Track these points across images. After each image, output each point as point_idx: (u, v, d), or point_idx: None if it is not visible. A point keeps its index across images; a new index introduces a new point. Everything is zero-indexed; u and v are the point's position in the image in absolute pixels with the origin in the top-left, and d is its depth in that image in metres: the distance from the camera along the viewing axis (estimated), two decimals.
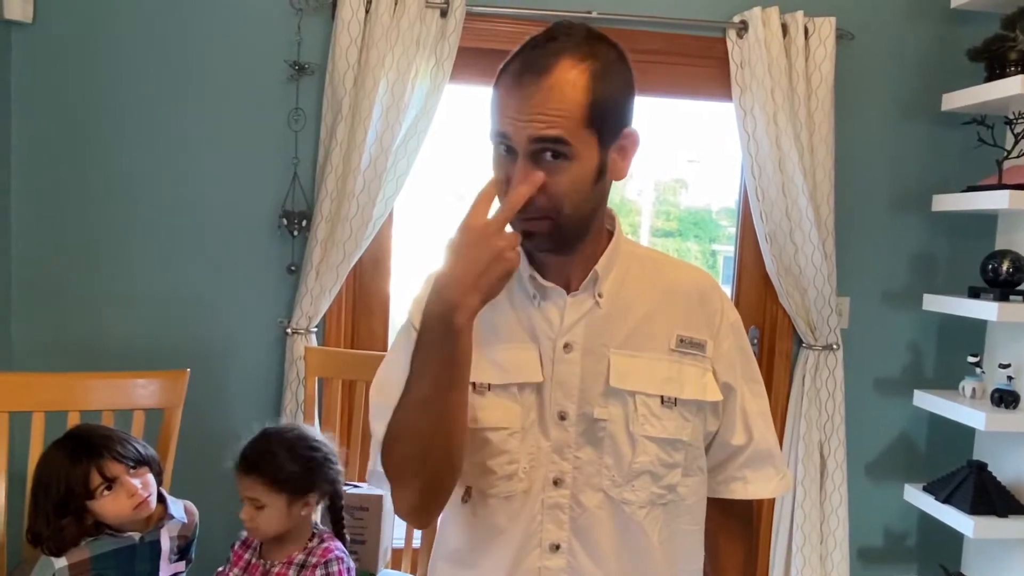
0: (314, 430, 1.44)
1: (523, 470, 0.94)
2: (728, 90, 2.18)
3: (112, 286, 2.09)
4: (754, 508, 1.13)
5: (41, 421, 1.52)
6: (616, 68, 0.89)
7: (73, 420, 1.55)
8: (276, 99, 2.09)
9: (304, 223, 2.09)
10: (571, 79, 0.85)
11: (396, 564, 1.90)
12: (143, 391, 1.59)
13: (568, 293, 0.96)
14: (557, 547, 0.94)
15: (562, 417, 0.94)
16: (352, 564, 1.40)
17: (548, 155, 0.86)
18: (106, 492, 1.32)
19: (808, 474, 2.24)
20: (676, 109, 2.59)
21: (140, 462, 1.38)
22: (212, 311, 2.13)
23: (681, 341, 0.98)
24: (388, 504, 1.82)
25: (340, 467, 1.44)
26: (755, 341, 2.39)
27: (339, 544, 1.41)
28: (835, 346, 2.24)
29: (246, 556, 1.42)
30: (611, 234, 1.01)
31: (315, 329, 2.13)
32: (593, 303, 0.96)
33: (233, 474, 1.39)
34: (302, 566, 1.36)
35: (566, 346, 0.94)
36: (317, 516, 1.46)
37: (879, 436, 2.38)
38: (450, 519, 1.02)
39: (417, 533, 1.88)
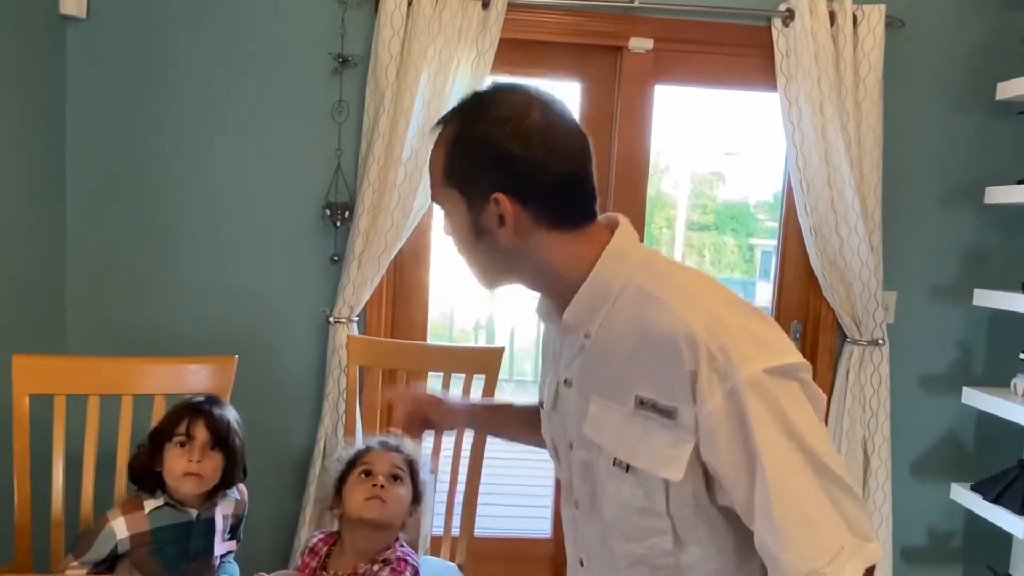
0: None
1: (563, 477, 1.03)
2: (773, 79, 2.14)
3: (162, 275, 2.15)
4: None
5: (96, 404, 1.57)
6: (473, 133, 0.88)
7: (127, 404, 1.60)
8: (320, 92, 2.11)
9: (347, 214, 2.12)
10: (436, 147, 0.92)
11: (435, 551, 1.92)
12: (194, 376, 1.63)
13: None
14: (581, 563, 1.02)
15: (571, 447, 0.98)
16: (418, 566, 1.37)
17: None
18: (178, 444, 1.39)
19: (851, 471, 2.20)
20: (714, 100, 2.55)
21: (221, 447, 1.43)
22: (257, 300, 2.17)
23: (641, 403, 0.86)
24: (429, 491, 1.84)
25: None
26: (797, 336, 2.36)
27: (412, 559, 1.37)
28: (881, 341, 2.20)
29: (312, 564, 1.38)
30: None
31: (356, 318, 2.16)
32: (583, 344, 0.93)
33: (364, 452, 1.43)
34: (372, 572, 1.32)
35: (566, 381, 0.96)
36: None
37: (925, 434, 2.32)
38: None
39: (456, 521, 1.90)
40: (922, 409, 2.30)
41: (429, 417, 1.28)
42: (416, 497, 1.40)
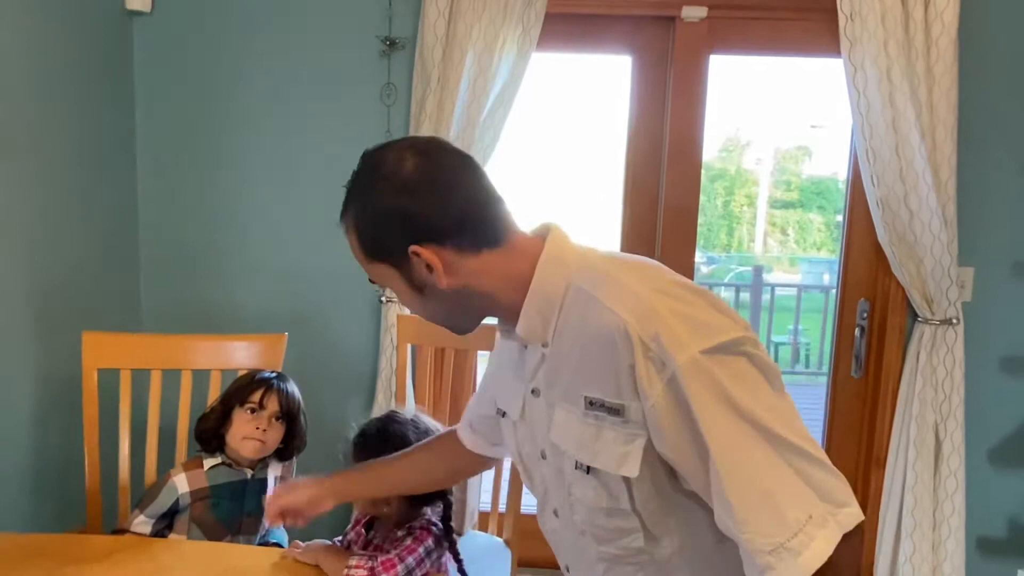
0: (428, 432, 1.37)
1: (536, 488, 1.04)
2: (836, 44, 2.02)
3: (226, 258, 2.25)
4: None
5: (159, 378, 1.67)
6: (365, 208, 0.91)
7: (186, 378, 1.69)
8: (369, 75, 2.15)
9: None
10: (347, 235, 0.95)
11: (483, 526, 1.95)
12: (245, 353, 1.71)
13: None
14: (567, 569, 1.04)
15: (543, 456, 0.97)
16: (441, 540, 1.32)
17: None
18: (248, 411, 1.47)
19: (921, 457, 2.08)
20: (800, 70, 2.44)
21: (286, 420, 1.52)
22: (315, 280, 2.25)
23: (591, 404, 0.86)
24: None
25: None
26: (864, 315, 2.25)
27: (436, 528, 1.33)
28: (955, 320, 2.06)
29: (360, 531, 1.42)
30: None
31: None
32: (543, 354, 0.93)
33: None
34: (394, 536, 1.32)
35: (534, 391, 0.96)
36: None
37: (1003, 419, 2.17)
38: None
39: (503, 497, 1.92)
40: (1001, 393, 2.15)
41: (296, 508, 1.22)
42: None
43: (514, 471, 1.90)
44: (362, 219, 0.91)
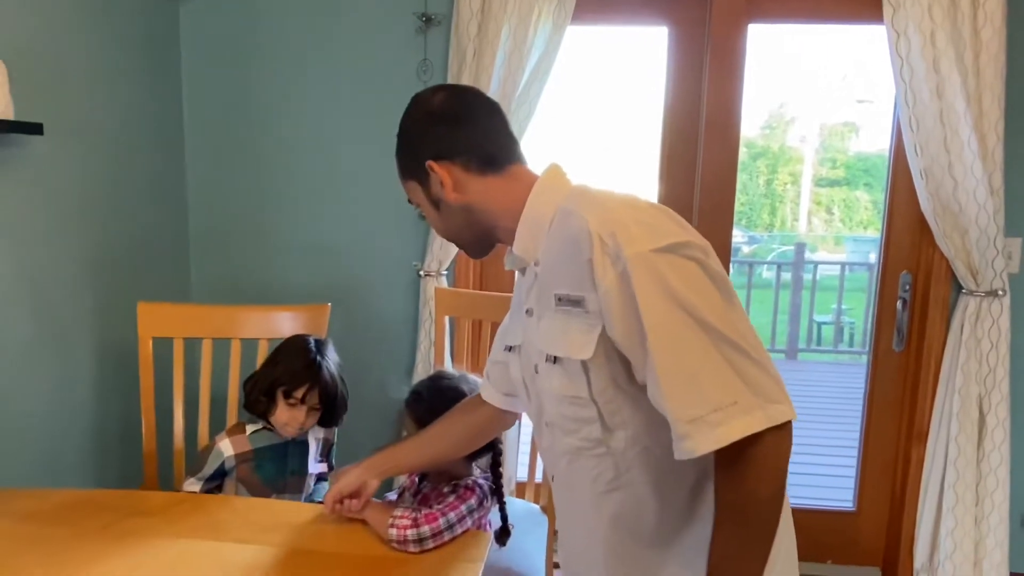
0: (476, 385, 1.39)
1: (534, 410, 1.11)
2: (878, 11, 1.98)
3: (271, 232, 2.33)
4: (741, 459, 0.86)
5: (209, 346, 1.75)
6: (401, 133, 1.08)
7: (236, 347, 1.76)
8: (405, 51, 2.18)
9: None
10: (396, 155, 1.11)
11: (520, 494, 1.99)
12: (291, 322, 1.77)
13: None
14: (552, 478, 1.11)
15: (536, 371, 1.05)
16: (484, 500, 1.34)
17: None
18: (288, 402, 1.53)
19: (964, 431, 2.06)
20: (845, 42, 2.38)
21: (325, 411, 1.58)
22: (356, 254, 2.31)
23: (559, 299, 0.97)
24: (513, 436, 1.91)
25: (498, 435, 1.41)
26: (907, 287, 2.21)
27: (485, 483, 1.37)
28: (1001, 292, 2.02)
29: (415, 480, 1.49)
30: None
31: (445, 272, 2.24)
32: (535, 272, 1.04)
33: None
34: (440, 491, 1.36)
35: (528, 311, 1.07)
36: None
37: None
38: None
39: (540, 466, 1.96)
40: None
41: (348, 494, 1.29)
42: None
43: None
44: (399, 143, 1.09)
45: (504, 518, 1.38)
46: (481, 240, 1.11)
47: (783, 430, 0.85)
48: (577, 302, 0.94)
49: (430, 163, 1.03)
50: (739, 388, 0.84)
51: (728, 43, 2.15)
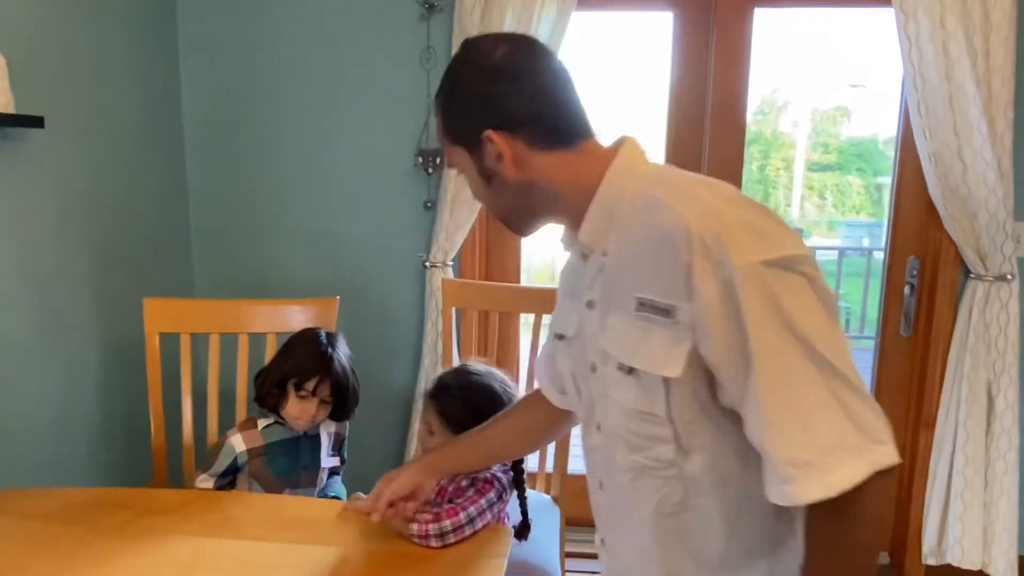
0: (505, 382, 1.37)
1: (584, 408, 1.03)
2: None
3: (274, 226, 2.30)
4: (846, 508, 0.78)
5: (217, 341, 1.73)
6: (452, 89, 0.94)
7: (243, 341, 1.74)
8: (409, 39, 2.15)
9: (439, 160, 2.16)
10: (435, 116, 1.00)
11: (532, 484, 1.98)
12: (300, 316, 1.75)
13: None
14: (601, 485, 1.02)
15: (593, 369, 0.97)
16: (503, 494, 1.31)
17: None
18: (300, 395, 1.51)
19: (972, 416, 2.06)
20: (838, 26, 2.37)
21: (337, 403, 1.56)
22: (360, 246, 2.28)
23: (641, 304, 0.86)
24: None
25: None
26: (915, 272, 2.21)
27: (504, 477, 1.34)
28: (1009, 276, 2.01)
29: None
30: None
31: (452, 263, 2.22)
32: (602, 262, 0.93)
33: None
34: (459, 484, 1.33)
35: (589, 303, 0.96)
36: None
37: None
38: None
39: (550, 457, 1.95)
40: None
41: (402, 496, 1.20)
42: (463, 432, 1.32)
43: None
44: (448, 100, 0.95)
45: (524, 513, 1.37)
46: (536, 220, 0.99)
47: (888, 475, 0.77)
48: (666, 311, 0.83)
49: (488, 134, 0.90)
50: (849, 430, 0.76)
51: (734, 28, 2.13)
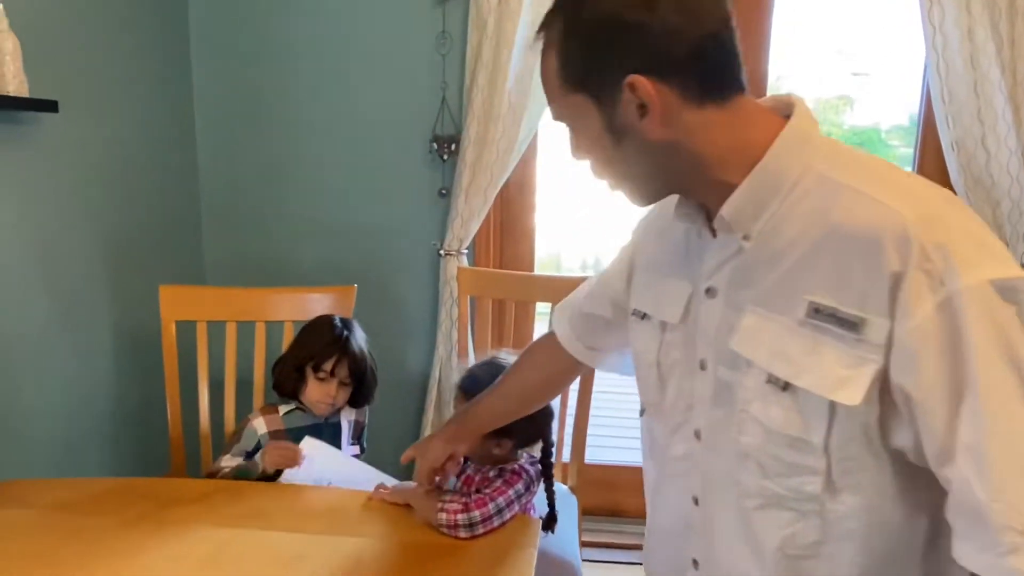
0: None
1: (670, 405, 0.89)
2: None
3: (285, 211, 2.27)
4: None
5: (234, 329, 1.71)
6: (585, 17, 0.73)
7: (260, 329, 1.72)
8: (424, 24, 2.12)
9: (453, 147, 2.14)
10: (545, 54, 0.78)
11: None
12: (317, 304, 1.73)
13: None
14: (696, 501, 0.87)
15: (702, 367, 0.83)
16: (531, 485, 1.28)
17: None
18: (318, 377, 1.50)
19: None
20: (840, 15, 2.33)
21: (356, 383, 1.55)
22: (373, 233, 2.26)
23: (816, 311, 0.71)
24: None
25: (551, 424, 1.36)
26: None
27: (532, 468, 1.31)
28: None
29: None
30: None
31: (466, 251, 2.20)
32: (739, 247, 0.78)
33: None
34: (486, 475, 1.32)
35: (708, 290, 0.82)
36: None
37: None
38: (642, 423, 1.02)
39: (567, 448, 1.93)
40: None
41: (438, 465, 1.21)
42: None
43: (579, 422, 1.92)
44: (574, 31, 0.74)
45: (551, 504, 1.36)
46: (667, 190, 0.82)
47: None
48: (852, 324, 0.68)
49: (635, 78, 0.71)
50: None
51: (753, 13, 2.10)
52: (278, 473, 1.42)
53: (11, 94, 1.43)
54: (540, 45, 0.78)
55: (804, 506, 0.75)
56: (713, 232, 0.82)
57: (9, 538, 1.13)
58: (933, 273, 0.65)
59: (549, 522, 1.33)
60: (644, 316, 0.92)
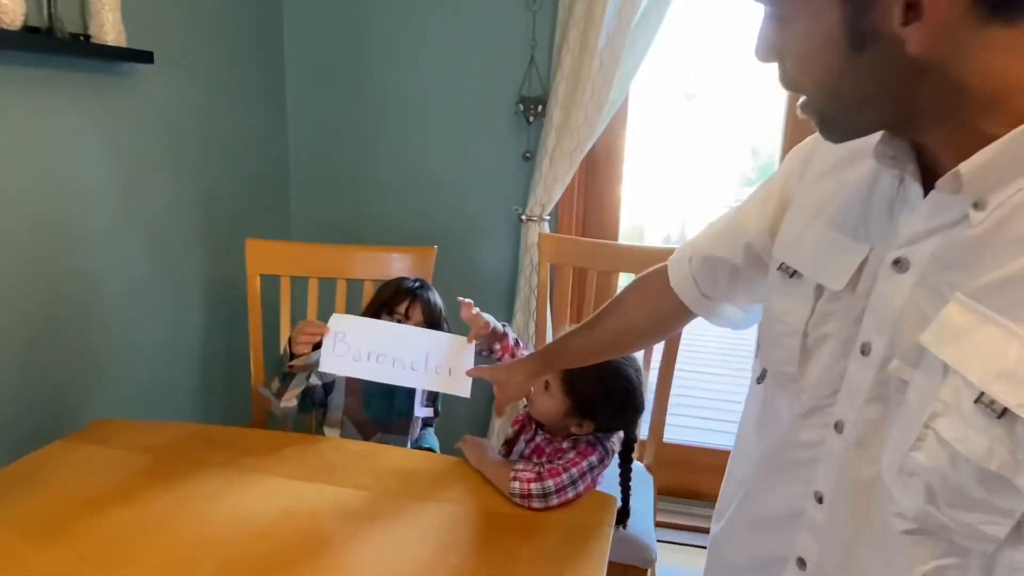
0: (640, 371, 1.27)
1: (811, 384, 0.73)
2: None
3: (369, 172, 2.27)
4: None
5: (316, 285, 1.71)
6: None
7: (341, 287, 1.72)
8: None
9: (540, 108, 2.07)
10: None
11: None
12: (398, 264, 1.71)
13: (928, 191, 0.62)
14: (820, 499, 0.72)
15: (864, 351, 0.67)
16: (604, 458, 1.24)
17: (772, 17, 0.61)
18: (395, 320, 1.49)
19: None
20: None
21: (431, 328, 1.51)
22: (455, 196, 2.23)
23: None
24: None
25: (638, 419, 1.31)
26: None
27: (606, 441, 1.26)
28: None
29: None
30: None
31: (548, 217, 2.14)
32: (961, 216, 0.59)
33: None
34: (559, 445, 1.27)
35: (897, 262, 0.64)
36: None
37: None
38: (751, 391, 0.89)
39: (644, 425, 1.86)
40: None
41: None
42: (583, 404, 1.26)
43: (659, 400, 1.84)
44: None
45: (626, 499, 1.29)
46: (890, 124, 0.62)
47: None
48: None
49: None
50: None
51: None
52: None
53: (109, 43, 1.46)
54: (639, 2, 0.67)
55: (974, 544, 0.60)
56: (924, 189, 0.63)
57: (93, 476, 1.17)
58: None
59: (622, 516, 1.26)
60: (794, 274, 0.75)
